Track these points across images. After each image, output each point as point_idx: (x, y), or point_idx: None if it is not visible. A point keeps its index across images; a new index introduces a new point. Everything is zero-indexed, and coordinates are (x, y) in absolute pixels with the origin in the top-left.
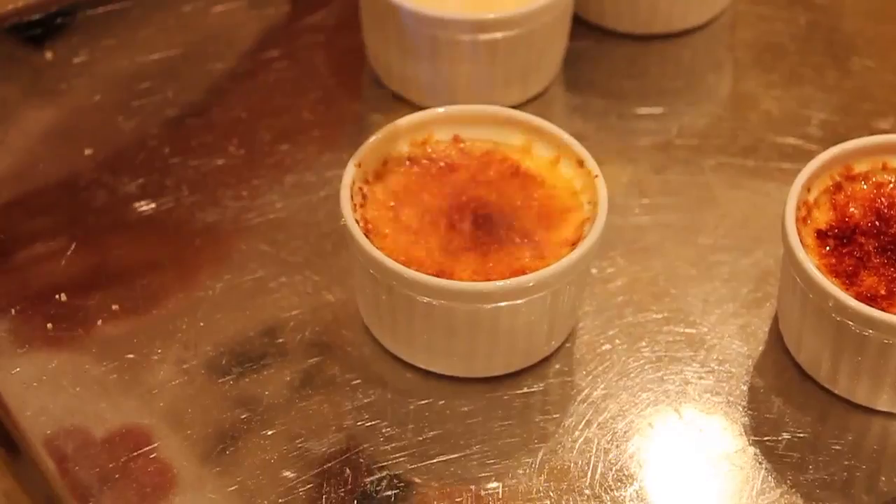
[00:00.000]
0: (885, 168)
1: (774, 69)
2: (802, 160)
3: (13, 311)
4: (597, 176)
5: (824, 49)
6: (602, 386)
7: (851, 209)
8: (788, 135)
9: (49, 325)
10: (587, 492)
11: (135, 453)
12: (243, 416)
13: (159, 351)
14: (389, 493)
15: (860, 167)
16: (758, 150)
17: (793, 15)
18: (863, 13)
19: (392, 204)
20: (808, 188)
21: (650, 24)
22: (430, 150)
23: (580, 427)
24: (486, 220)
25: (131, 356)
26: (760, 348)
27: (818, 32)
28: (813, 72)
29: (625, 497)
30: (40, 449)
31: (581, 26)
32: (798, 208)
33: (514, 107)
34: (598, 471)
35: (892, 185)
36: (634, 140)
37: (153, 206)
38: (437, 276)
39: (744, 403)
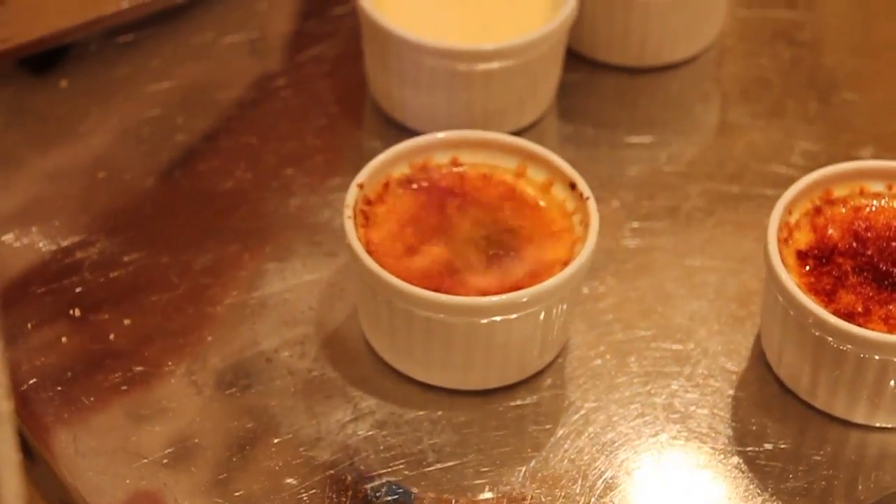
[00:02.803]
0: (862, 192)
1: (759, 101)
2: (785, 186)
3: (29, 325)
4: (588, 198)
5: (807, 82)
6: (592, 399)
7: (830, 231)
8: (772, 163)
9: (63, 339)
10: (578, 498)
11: (145, 460)
12: (249, 426)
13: (169, 363)
14: (389, 498)
15: (839, 191)
16: (743, 177)
17: (777, 50)
18: (843, 49)
19: (393, 224)
20: (789, 211)
21: (640, 57)
22: (429, 173)
23: (571, 437)
24: (483, 239)
25: (140, 368)
26: (744, 364)
27: (801, 67)
28: (796, 104)
29: (613, 503)
30: (57, 457)
31: (574, 59)
32: (780, 230)
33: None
34: (588, 478)
35: (869, 209)
36: (625, 167)
37: (164, 225)
38: (435, 291)
39: (727, 416)
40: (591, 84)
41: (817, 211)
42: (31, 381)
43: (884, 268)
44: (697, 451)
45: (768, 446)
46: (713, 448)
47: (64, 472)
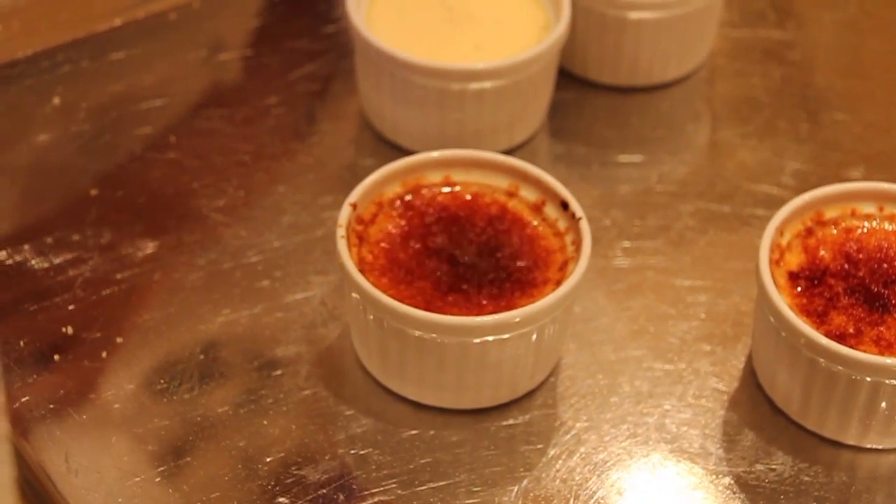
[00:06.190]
0: (854, 214)
1: (750, 121)
2: (776, 206)
3: (22, 343)
4: (580, 218)
5: (797, 102)
6: (584, 419)
7: (822, 252)
8: (763, 183)
9: (56, 357)
10: None
11: (137, 478)
12: (240, 444)
13: (161, 381)
14: None
15: (830, 213)
16: (734, 197)
17: (767, 70)
18: (834, 69)
19: (385, 243)
20: (781, 232)
21: (632, 76)
22: (422, 192)
23: (563, 457)
24: (475, 258)
25: (132, 386)
26: (735, 384)
27: (791, 87)
28: (786, 124)
29: None
30: (49, 475)
31: (566, 78)
32: (771, 251)
33: (500, 153)
34: (580, 498)
35: (860, 230)
36: (616, 187)
37: (156, 243)
38: (428, 311)
39: (719, 436)
40: (583, 103)
41: (809, 232)
42: (23, 399)
43: (875, 289)
44: (689, 471)
45: (760, 467)
46: (704, 468)
47: (56, 490)
